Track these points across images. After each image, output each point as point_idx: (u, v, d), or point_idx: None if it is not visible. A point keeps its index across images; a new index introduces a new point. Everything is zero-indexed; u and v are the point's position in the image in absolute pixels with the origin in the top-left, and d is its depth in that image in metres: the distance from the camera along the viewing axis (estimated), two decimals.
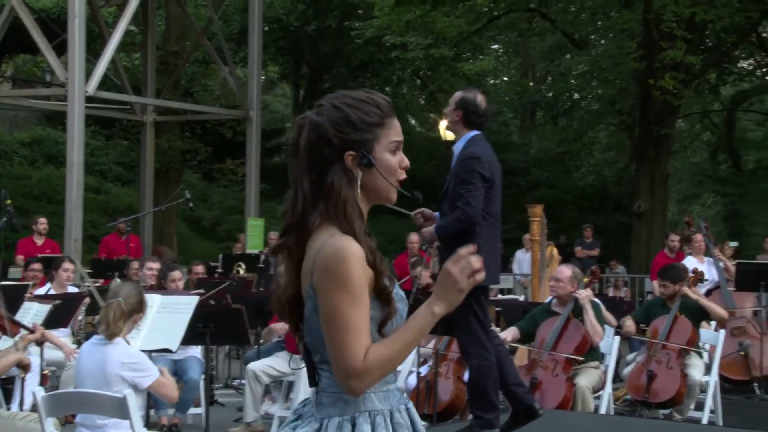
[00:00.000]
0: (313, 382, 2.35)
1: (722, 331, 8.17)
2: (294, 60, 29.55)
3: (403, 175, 2.34)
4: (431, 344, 7.18)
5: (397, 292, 2.32)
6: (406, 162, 2.35)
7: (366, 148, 2.28)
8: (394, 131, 2.34)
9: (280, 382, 7.72)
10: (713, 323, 8.57)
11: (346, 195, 2.26)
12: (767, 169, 30.15)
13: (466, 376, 7.25)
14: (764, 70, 27.05)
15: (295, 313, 2.35)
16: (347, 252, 2.19)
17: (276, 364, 7.52)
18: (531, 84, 29.08)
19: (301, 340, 2.37)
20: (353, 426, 2.26)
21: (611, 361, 7.45)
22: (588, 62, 20.79)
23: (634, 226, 18.36)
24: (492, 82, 29.15)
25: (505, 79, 30.99)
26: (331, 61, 28.30)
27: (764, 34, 23.99)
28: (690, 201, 34.16)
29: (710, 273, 9.96)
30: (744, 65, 27.20)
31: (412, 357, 7.85)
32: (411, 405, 2.38)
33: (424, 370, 7.37)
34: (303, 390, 7.18)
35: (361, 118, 2.28)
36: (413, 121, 32.66)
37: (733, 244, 14.21)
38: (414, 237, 12.05)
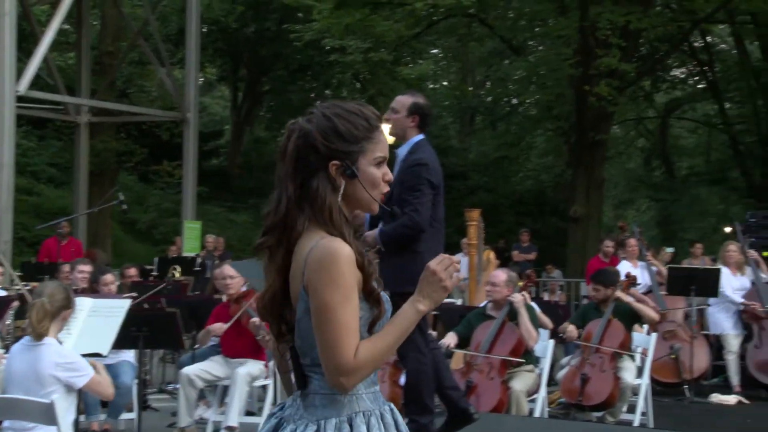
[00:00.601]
0: (301, 384, 2.38)
1: (654, 335, 8.29)
2: (232, 62, 29.39)
3: (386, 188, 2.40)
4: None
5: (383, 294, 2.38)
6: (390, 175, 2.41)
7: (351, 159, 2.34)
8: (380, 146, 2.39)
9: (215, 386, 7.63)
10: (645, 327, 8.68)
11: (331, 201, 2.32)
12: (699, 176, 30.76)
13: (402, 380, 7.25)
14: (696, 78, 27.62)
15: (276, 313, 2.40)
16: (339, 253, 2.24)
17: (211, 368, 7.43)
18: (470, 89, 29.29)
19: (283, 340, 2.42)
20: (351, 426, 2.31)
21: (546, 364, 7.50)
22: (526, 68, 20.99)
23: (570, 231, 18.56)
24: (431, 86, 29.26)
25: (445, 83, 31.15)
26: (270, 63, 28.21)
27: (695, 44, 24.51)
28: (625, 206, 34.72)
29: (643, 277, 10.12)
30: (677, 73, 27.75)
31: None
32: (393, 406, 2.44)
33: None
34: (238, 395, 7.12)
35: (349, 130, 2.34)
36: None
37: (670, 250, 14.46)
38: None
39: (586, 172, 17.96)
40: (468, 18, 20.89)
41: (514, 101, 27.58)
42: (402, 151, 5.54)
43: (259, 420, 7.41)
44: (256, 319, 7.16)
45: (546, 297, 14.20)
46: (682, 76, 28.15)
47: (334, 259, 2.24)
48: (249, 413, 7.74)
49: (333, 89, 30.03)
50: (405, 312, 2.31)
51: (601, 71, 16.72)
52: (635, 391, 7.93)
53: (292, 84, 29.10)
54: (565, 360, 8.45)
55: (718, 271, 9.86)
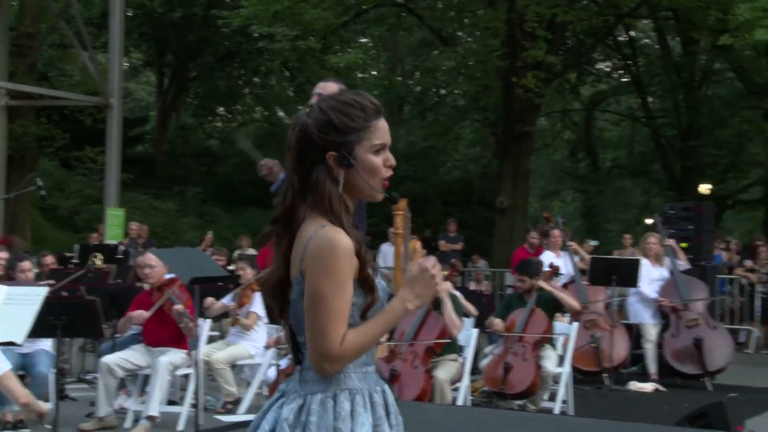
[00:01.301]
0: (297, 360, 2.48)
1: (575, 324, 8.41)
2: (158, 47, 28.93)
3: (389, 173, 2.47)
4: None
5: (379, 282, 2.46)
6: (392, 160, 2.47)
7: (347, 149, 2.41)
8: (378, 133, 2.45)
9: (135, 375, 7.51)
10: (567, 316, 8.80)
11: (330, 191, 2.40)
12: (622, 168, 31.31)
13: None
14: (620, 72, 28.07)
15: (280, 297, 2.49)
16: (337, 244, 2.32)
17: (131, 357, 7.32)
18: (399, 78, 29.30)
19: (287, 322, 2.51)
20: (335, 402, 2.39)
21: (469, 353, 7.55)
22: (454, 59, 21.07)
23: (497, 221, 18.72)
24: (360, 75, 29.20)
25: (374, 73, 31.11)
26: (197, 49, 27.83)
27: (620, 38, 24.91)
28: (550, 197, 35.17)
29: (566, 267, 10.24)
30: (602, 67, 28.17)
31: (272, 351, 7.80)
32: (387, 388, 2.52)
33: (284, 363, 7.30)
34: (159, 384, 7.02)
35: (343, 121, 2.41)
36: (281, 113, 32.45)
37: (594, 242, 14.67)
38: None
39: (513, 163, 18.13)
40: (397, 8, 20.90)
41: (443, 92, 27.68)
42: None
43: (181, 409, 7.34)
44: (179, 307, 7.07)
45: (472, 286, 14.29)
46: (607, 69, 28.59)
47: (332, 249, 2.32)
48: (171, 402, 7.65)
49: (261, 76, 29.78)
50: (393, 308, 2.39)
51: (528, 63, 16.87)
52: (556, 380, 8.04)
53: (220, 71, 28.78)
54: (488, 349, 8.51)
55: (638, 261, 10.05)
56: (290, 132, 2.48)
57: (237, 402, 7.99)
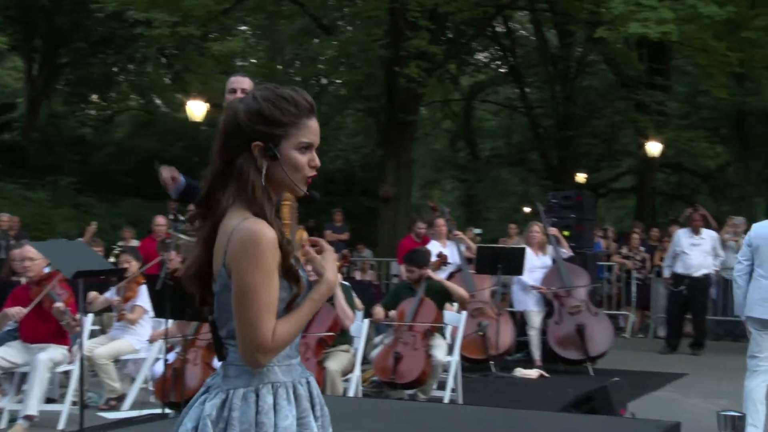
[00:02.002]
0: (220, 355, 2.45)
1: (464, 313, 8.47)
2: (25, 31, 27.76)
3: (312, 173, 2.45)
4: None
5: (302, 272, 2.45)
6: (317, 161, 2.46)
7: (273, 141, 2.39)
8: (306, 132, 2.44)
9: (12, 373, 7.19)
10: (456, 305, 8.86)
11: (254, 180, 2.37)
12: (501, 158, 31.90)
13: (215, 363, 7.09)
14: (498, 63, 28.54)
15: (201, 286, 2.46)
16: (261, 236, 2.30)
17: (7, 354, 7.03)
18: (279, 67, 29.01)
19: (206, 313, 2.49)
20: (257, 396, 2.37)
21: (360, 344, 7.51)
22: (336, 48, 20.97)
23: (381, 211, 18.75)
24: (240, 63, 28.78)
25: (253, 61, 30.71)
26: (68, 34, 26.85)
27: (498, 29, 25.31)
28: (431, 186, 35.53)
29: (453, 256, 10.31)
30: (481, 57, 28.58)
31: (157, 345, 7.59)
32: (312, 379, 2.52)
33: (171, 356, 7.11)
34: (38, 382, 6.74)
35: (273, 114, 2.39)
36: (158, 101, 31.72)
37: (477, 231, 14.86)
38: (160, 220, 11.64)
39: (396, 152, 18.18)
40: None
41: (324, 81, 27.55)
42: None
43: (62, 408, 7.07)
44: (60, 305, 6.81)
45: (357, 276, 14.28)
46: (486, 60, 29.01)
47: (257, 242, 2.29)
48: (50, 401, 7.37)
49: (138, 63, 29.00)
50: (318, 297, 2.42)
51: (410, 53, 16.92)
52: (445, 368, 8.08)
53: (93, 57, 27.86)
54: (377, 339, 8.50)
55: (523, 250, 10.21)
56: (222, 116, 2.45)
57: (121, 398, 7.77)
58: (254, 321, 2.27)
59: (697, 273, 11.89)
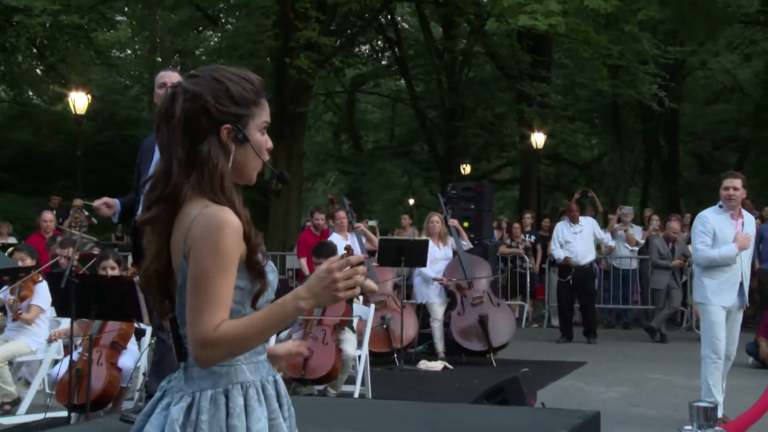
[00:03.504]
0: (180, 356, 2.27)
1: (372, 306, 8.40)
2: None
3: (267, 157, 2.32)
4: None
5: (270, 264, 2.28)
6: (270, 144, 2.34)
7: (242, 123, 2.24)
8: (266, 111, 2.31)
9: None
10: (361, 297, 8.79)
11: (223, 167, 2.21)
12: (384, 149, 32.01)
13: (120, 362, 6.83)
14: (386, 54, 28.60)
15: (162, 289, 2.27)
16: (225, 223, 2.13)
17: None
18: (159, 60, 28.31)
19: (166, 315, 2.29)
20: (227, 398, 2.21)
21: (271, 340, 7.35)
22: (224, 38, 20.58)
23: (272, 204, 18.52)
24: (119, 55, 27.98)
25: (129, 52, 29.88)
26: None
27: (382, 21, 25.36)
28: (315, 179, 35.37)
29: (355, 249, 10.22)
30: (364, 49, 28.58)
31: (58, 344, 7.26)
32: (279, 377, 2.36)
33: (75, 355, 6.80)
34: None
35: (241, 94, 2.25)
36: (31, 93, 30.48)
37: (372, 223, 14.82)
38: (48, 215, 11.16)
39: (287, 144, 17.97)
40: None
41: None
42: None
43: None
44: None
45: None
46: (368, 52, 29.03)
47: (219, 228, 2.12)
48: None
49: (7, 54, 27.78)
50: (284, 304, 2.13)
51: (300, 44, 16.75)
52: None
53: None
54: (284, 334, 8.33)
55: (426, 242, 10.20)
56: (169, 102, 2.24)
57: (15, 402, 7.39)
58: (200, 309, 2.10)
59: (583, 261, 12.18)
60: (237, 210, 2.17)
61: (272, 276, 2.29)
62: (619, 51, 17.45)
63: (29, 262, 7.74)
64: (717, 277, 6.73)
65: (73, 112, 17.60)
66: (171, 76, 5.31)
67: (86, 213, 6.62)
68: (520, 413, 6.20)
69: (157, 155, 5.25)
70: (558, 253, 12.21)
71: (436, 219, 10.65)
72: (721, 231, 6.71)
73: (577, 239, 12.17)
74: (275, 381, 2.33)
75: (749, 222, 6.92)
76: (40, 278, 7.57)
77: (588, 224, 12.41)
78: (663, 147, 29.07)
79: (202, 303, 2.10)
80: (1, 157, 24.89)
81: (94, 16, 20.47)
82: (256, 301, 2.24)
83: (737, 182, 6.73)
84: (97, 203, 5.35)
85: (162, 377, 5.11)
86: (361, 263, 2.13)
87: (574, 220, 12.27)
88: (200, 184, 2.19)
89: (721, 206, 6.82)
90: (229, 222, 2.12)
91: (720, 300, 6.69)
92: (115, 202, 5.45)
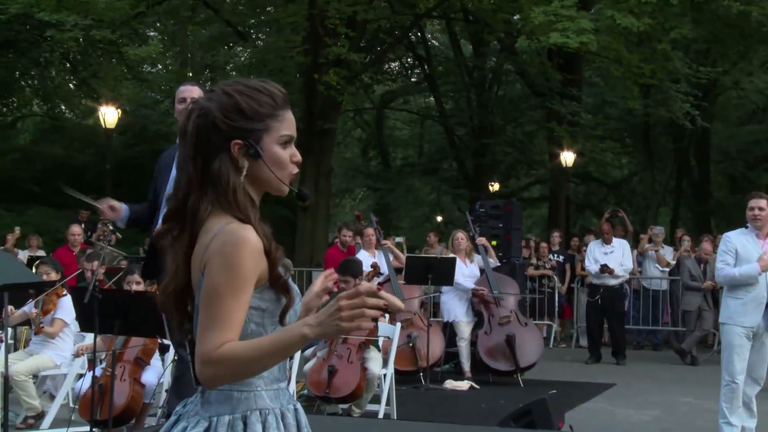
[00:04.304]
0: (197, 379, 2.14)
1: (399, 324, 8.31)
2: None
3: (295, 170, 2.26)
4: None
5: (294, 288, 2.23)
6: (298, 157, 2.27)
7: (254, 138, 2.18)
8: (287, 124, 2.23)
9: None
10: (387, 315, 8.70)
11: (235, 183, 2.15)
12: (413, 166, 31.97)
13: (143, 378, 6.80)
14: (415, 71, 28.59)
15: (181, 308, 2.22)
16: (244, 240, 2.07)
17: None
18: (189, 75, 28.47)
19: (186, 336, 2.24)
20: (245, 425, 2.13)
21: (296, 356, 7.29)
22: (253, 54, 20.65)
23: (300, 220, 18.50)
24: (150, 70, 28.14)
25: (160, 67, 30.01)
26: None
27: (412, 38, 25.38)
28: (343, 195, 35.38)
29: (382, 266, 10.16)
30: (394, 66, 28.60)
31: (82, 358, 7.24)
32: (299, 406, 2.29)
33: (98, 371, 6.77)
34: None
35: (252, 107, 2.18)
36: (63, 107, 30.78)
37: (399, 239, 14.74)
38: (76, 229, 11.18)
39: (315, 161, 17.96)
40: (193, 0, 20.25)
41: None
42: None
43: None
44: None
45: None
46: (397, 69, 29.04)
47: (236, 245, 2.06)
48: None
49: (41, 68, 28.06)
50: (290, 330, 2.06)
51: (329, 60, 16.76)
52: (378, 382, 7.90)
53: None
54: (309, 352, 8.26)
55: (454, 260, 10.10)
56: (186, 119, 2.22)
57: (39, 416, 7.37)
58: (207, 326, 2.04)
59: (612, 282, 12.03)
60: (254, 224, 2.13)
61: (297, 299, 2.24)
62: (651, 70, 17.31)
63: (54, 275, 7.72)
64: (741, 296, 6.64)
65: (103, 126, 17.69)
66: (191, 91, 5.26)
67: (111, 227, 6.60)
68: None
69: (174, 170, 5.23)
70: (593, 267, 12.07)
71: (460, 236, 10.57)
72: (744, 250, 6.63)
73: (609, 260, 12.00)
74: (296, 410, 2.25)
75: None
76: (64, 292, 7.55)
77: (620, 246, 12.22)
78: (693, 167, 28.79)
79: (211, 320, 2.05)
80: (33, 170, 25.09)
81: (125, 32, 20.60)
82: (284, 317, 2.18)
83: (762, 202, 6.67)
84: (101, 205, 5.24)
85: (181, 395, 5.07)
86: (373, 293, 2.04)
87: (607, 241, 12.13)
88: (219, 201, 2.14)
89: (747, 227, 6.76)
90: (249, 240, 2.07)
91: (744, 320, 6.58)
92: (122, 206, 5.33)
